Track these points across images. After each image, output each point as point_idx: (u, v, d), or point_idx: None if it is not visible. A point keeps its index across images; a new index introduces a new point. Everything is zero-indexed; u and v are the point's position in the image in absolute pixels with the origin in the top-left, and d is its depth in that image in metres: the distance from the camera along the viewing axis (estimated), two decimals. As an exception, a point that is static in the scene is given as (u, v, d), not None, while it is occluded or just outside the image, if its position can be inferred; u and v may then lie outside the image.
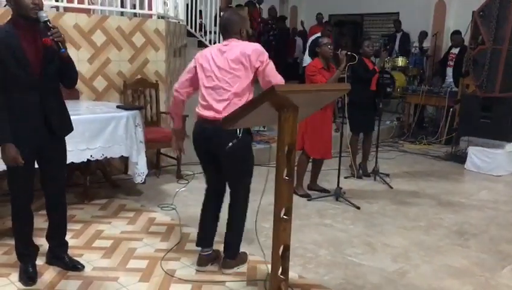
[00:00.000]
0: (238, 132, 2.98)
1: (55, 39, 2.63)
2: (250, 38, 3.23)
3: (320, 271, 3.33)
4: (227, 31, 3.13)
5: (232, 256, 3.27)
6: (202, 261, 3.27)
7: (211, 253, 3.31)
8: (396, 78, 9.42)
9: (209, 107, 3.04)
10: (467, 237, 4.07)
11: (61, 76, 2.87)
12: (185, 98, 3.28)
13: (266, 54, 3.05)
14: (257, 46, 3.07)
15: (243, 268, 3.29)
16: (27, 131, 2.75)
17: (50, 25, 2.63)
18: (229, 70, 3.01)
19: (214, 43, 7.33)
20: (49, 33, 2.62)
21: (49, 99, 2.81)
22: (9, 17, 2.76)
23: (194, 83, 3.19)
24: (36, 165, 2.94)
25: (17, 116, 2.71)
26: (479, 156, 6.31)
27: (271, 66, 3.04)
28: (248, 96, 3.03)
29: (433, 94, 8.07)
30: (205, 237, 3.31)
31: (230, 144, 2.97)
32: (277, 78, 3.02)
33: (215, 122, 2.94)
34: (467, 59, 7.09)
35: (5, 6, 4.55)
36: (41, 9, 2.65)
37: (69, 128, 3.02)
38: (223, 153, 3.05)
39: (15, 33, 2.67)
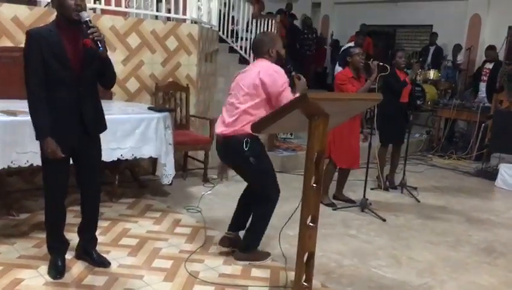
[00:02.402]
0: (244, 145, 3.14)
1: (95, 38, 2.70)
2: (280, 58, 3.30)
3: (343, 281, 3.30)
4: (256, 51, 3.34)
5: (242, 248, 3.41)
6: (222, 240, 3.51)
7: (232, 236, 3.49)
8: (427, 91, 9.29)
9: (221, 122, 3.27)
10: (496, 255, 3.98)
11: (100, 77, 2.94)
12: None
13: (283, 79, 3.13)
14: (275, 72, 3.15)
15: (266, 273, 3.29)
16: (63, 128, 2.82)
17: (90, 25, 2.70)
18: (243, 89, 3.18)
19: (245, 49, 7.40)
20: (88, 31, 2.69)
21: (86, 99, 2.89)
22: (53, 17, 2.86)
23: None
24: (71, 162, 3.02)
25: (54, 113, 2.78)
26: (510, 173, 6.17)
27: (285, 94, 3.11)
28: (261, 115, 3.11)
29: (464, 108, 7.93)
30: (232, 221, 3.54)
31: (239, 160, 3.21)
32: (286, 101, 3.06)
33: (223, 137, 3.23)
34: (501, 74, 6.97)
35: (45, 6, 4.71)
36: (83, 10, 2.73)
37: (102, 127, 3.10)
38: (233, 166, 3.37)
39: (57, 33, 2.75)
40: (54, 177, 2.92)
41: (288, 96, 3.09)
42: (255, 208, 3.37)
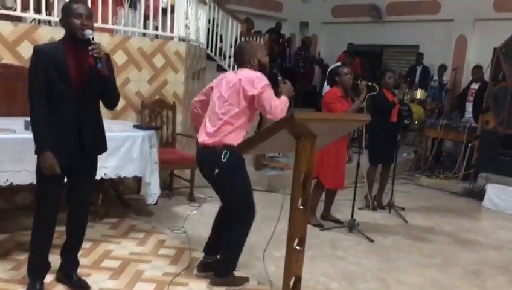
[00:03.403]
0: (223, 156, 3.07)
1: (94, 54, 2.71)
2: (262, 67, 3.25)
3: (331, 305, 3.23)
4: (238, 59, 3.31)
5: (218, 273, 3.30)
6: (198, 267, 3.45)
7: (209, 261, 3.40)
8: (414, 110, 9.34)
9: (203, 132, 3.22)
10: (484, 277, 3.94)
11: (103, 95, 2.94)
12: (200, 112, 3.43)
13: (263, 82, 3.08)
14: (256, 77, 3.10)
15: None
16: (60, 144, 2.79)
17: (92, 42, 2.72)
18: (226, 99, 3.13)
19: (233, 67, 7.38)
20: (89, 48, 2.70)
21: (86, 117, 2.88)
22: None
23: (205, 104, 3.35)
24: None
25: (54, 129, 2.76)
26: (497, 194, 6.17)
27: (266, 94, 3.06)
28: (241, 124, 3.12)
29: (451, 128, 7.96)
30: (207, 243, 3.46)
31: (216, 170, 3.11)
32: (270, 105, 3.03)
33: (203, 146, 3.18)
34: (487, 95, 7.03)
35: (30, 22, 4.65)
36: (89, 28, 2.74)
37: (102, 148, 3.08)
38: (209, 178, 3.23)
39: (63, 50, 2.78)
40: (48, 195, 2.87)
41: (269, 97, 3.05)
42: (228, 230, 3.25)
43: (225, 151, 3.08)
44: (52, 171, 2.73)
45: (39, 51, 2.78)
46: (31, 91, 2.75)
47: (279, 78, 3.25)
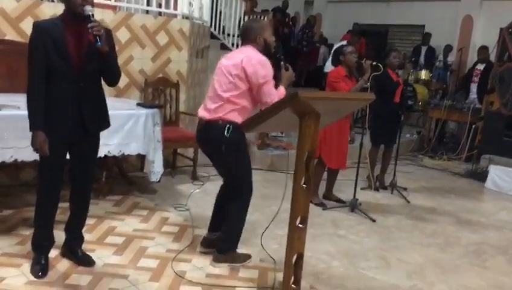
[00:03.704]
0: (226, 131, 3.06)
1: (94, 32, 2.66)
2: (267, 47, 3.20)
3: (332, 283, 3.27)
4: (244, 37, 3.25)
5: (219, 250, 3.32)
6: (201, 243, 3.49)
7: (211, 237, 3.43)
8: (418, 91, 9.30)
9: (204, 108, 3.21)
10: (485, 257, 3.97)
11: (103, 73, 2.91)
12: None
13: (265, 73, 3.03)
14: (258, 63, 3.05)
15: (254, 274, 3.24)
16: (60, 122, 2.80)
17: (92, 19, 2.67)
18: (227, 77, 3.10)
19: (237, 46, 7.34)
20: (88, 25, 2.65)
21: (86, 94, 2.85)
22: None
23: None
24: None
25: (53, 106, 2.76)
26: (500, 175, 6.18)
27: (266, 88, 3.03)
28: (244, 104, 3.10)
29: (455, 109, 7.93)
30: (210, 221, 3.49)
31: (216, 143, 3.10)
32: (269, 98, 3.01)
33: (205, 121, 3.15)
34: (492, 76, 6.98)
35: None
36: (89, 4, 2.69)
37: (103, 124, 3.06)
38: (211, 152, 3.25)
39: (62, 27, 2.73)
40: (49, 172, 2.87)
41: (268, 90, 3.03)
42: (230, 205, 3.28)
43: (228, 126, 3.06)
44: (42, 151, 2.72)
45: (39, 28, 2.73)
46: (29, 68, 2.72)
47: (282, 62, 3.23)
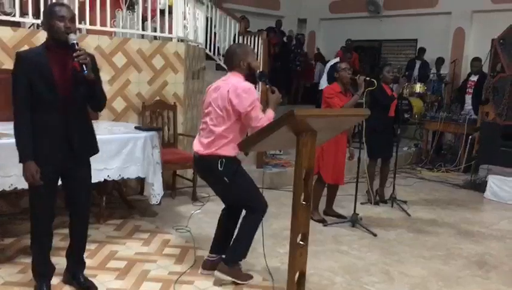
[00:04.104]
0: (219, 165, 3.14)
1: (80, 61, 2.67)
2: (251, 71, 3.26)
3: (335, 299, 3.26)
4: (228, 62, 3.33)
5: (226, 260, 3.33)
6: (204, 264, 3.48)
7: (214, 259, 3.43)
8: (414, 104, 9.36)
9: (198, 140, 3.29)
10: (487, 268, 3.96)
11: (89, 99, 2.92)
12: None
13: (250, 99, 3.09)
14: (243, 91, 3.10)
15: (257, 294, 3.23)
16: (50, 150, 2.79)
17: (77, 48, 2.69)
18: (217, 111, 3.16)
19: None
20: (74, 54, 2.66)
21: (73, 121, 2.85)
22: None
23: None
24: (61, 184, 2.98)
25: (40, 135, 2.76)
26: (498, 185, 6.19)
27: (254, 113, 3.08)
28: (235, 136, 3.16)
29: (451, 121, 7.98)
30: (213, 243, 3.50)
31: (211, 176, 3.26)
32: (258, 123, 3.06)
33: (199, 156, 3.25)
34: (486, 87, 7.04)
35: (29, 28, 4.68)
36: (72, 32, 2.72)
37: (92, 150, 3.06)
38: (210, 184, 3.37)
39: (46, 55, 2.74)
40: (41, 201, 2.87)
41: (256, 115, 3.08)
42: (241, 222, 3.34)
43: (220, 160, 3.14)
44: (33, 181, 2.72)
45: (22, 57, 2.73)
46: (14, 98, 2.71)
47: (267, 86, 3.28)
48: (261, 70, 3.41)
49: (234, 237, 3.37)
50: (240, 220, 3.37)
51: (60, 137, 2.81)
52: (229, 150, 3.16)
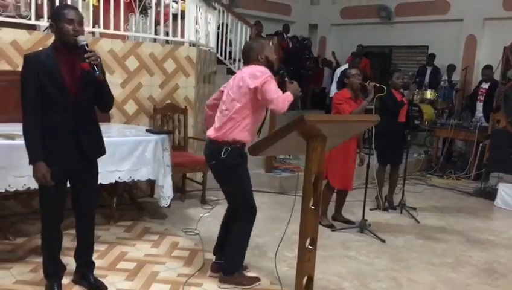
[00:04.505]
0: (223, 152, 3.14)
1: (91, 62, 2.70)
2: (270, 64, 3.26)
3: (343, 304, 3.27)
4: (246, 58, 3.34)
5: (224, 271, 3.36)
6: (212, 267, 3.51)
7: (219, 262, 3.46)
8: (424, 111, 9.34)
9: (212, 128, 3.31)
10: (496, 276, 3.94)
11: (97, 100, 2.95)
12: (212, 114, 3.48)
13: (265, 74, 3.09)
14: (256, 69, 3.14)
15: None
16: (59, 152, 2.82)
17: (87, 49, 2.72)
18: (230, 95, 3.19)
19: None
20: (85, 56, 2.69)
21: (82, 122, 2.88)
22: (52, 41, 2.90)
23: (216, 107, 3.41)
24: (68, 185, 3.01)
25: (50, 136, 2.79)
26: (509, 193, 6.15)
27: (268, 86, 3.06)
28: (246, 118, 3.16)
29: (462, 128, 7.95)
30: (216, 243, 3.54)
31: (213, 161, 3.21)
32: (273, 95, 3.04)
33: (209, 140, 3.27)
34: (498, 94, 7.01)
35: (44, 30, 4.75)
36: (81, 34, 2.75)
37: (100, 151, 3.09)
38: (211, 168, 3.33)
39: (54, 57, 2.77)
40: (50, 201, 2.90)
41: (272, 89, 3.05)
42: (232, 227, 3.36)
43: (226, 147, 3.15)
44: (44, 182, 2.75)
45: (30, 59, 2.75)
46: (23, 100, 2.74)
47: (286, 79, 3.28)
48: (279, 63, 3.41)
49: (228, 245, 3.37)
50: (231, 229, 3.37)
51: (69, 138, 2.84)
52: (238, 133, 3.15)
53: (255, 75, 3.11)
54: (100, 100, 2.96)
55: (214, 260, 3.55)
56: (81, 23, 2.78)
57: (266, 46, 3.33)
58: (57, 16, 2.77)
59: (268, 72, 3.13)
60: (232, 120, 3.16)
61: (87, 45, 2.74)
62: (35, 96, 2.72)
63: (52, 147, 2.79)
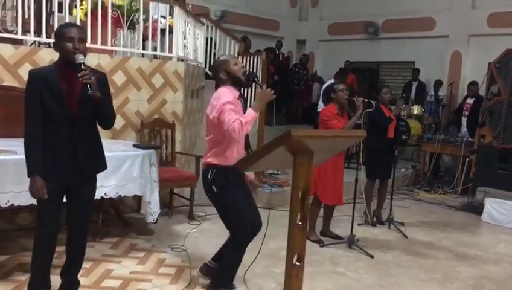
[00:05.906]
0: (209, 174, 3.20)
1: (84, 81, 2.73)
2: (233, 76, 3.21)
3: (331, 321, 3.23)
4: (214, 78, 3.37)
5: (211, 284, 3.40)
6: (202, 267, 3.55)
7: (212, 266, 3.48)
8: (411, 125, 9.42)
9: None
10: (485, 291, 3.95)
11: (97, 117, 2.98)
12: None
13: (219, 104, 3.08)
14: (215, 95, 3.17)
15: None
16: (57, 166, 2.84)
17: (83, 67, 2.75)
18: (207, 122, 3.25)
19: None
20: (79, 74, 2.72)
21: (82, 139, 2.90)
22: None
23: None
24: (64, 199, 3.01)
25: (49, 151, 2.81)
26: (496, 207, 6.19)
27: (221, 117, 3.06)
28: (224, 145, 3.18)
29: (448, 143, 8.01)
30: (219, 250, 3.51)
31: (205, 185, 3.27)
32: (226, 126, 3.03)
33: (202, 165, 3.34)
34: (483, 110, 7.09)
35: (30, 45, 4.72)
36: (81, 53, 2.78)
37: (99, 167, 3.10)
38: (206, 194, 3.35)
39: (57, 73, 2.83)
40: (47, 215, 2.89)
41: (223, 119, 3.03)
42: (226, 244, 3.38)
43: (211, 169, 3.20)
44: (39, 196, 2.77)
45: (34, 75, 2.83)
46: (26, 115, 2.79)
47: (258, 84, 3.24)
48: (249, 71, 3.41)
49: (220, 262, 3.38)
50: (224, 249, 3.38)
51: (68, 153, 2.87)
52: (219, 158, 3.19)
53: (211, 104, 3.16)
54: (100, 118, 2.99)
55: (208, 261, 3.53)
56: (82, 40, 2.83)
57: (227, 61, 3.25)
58: (59, 34, 2.84)
59: (225, 98, 3.08)
60: (214, 146, 3.23)
61: (83, 63, 2.78)
62: (37, 110, 2.78)
63: (50, 162, 2.81)
